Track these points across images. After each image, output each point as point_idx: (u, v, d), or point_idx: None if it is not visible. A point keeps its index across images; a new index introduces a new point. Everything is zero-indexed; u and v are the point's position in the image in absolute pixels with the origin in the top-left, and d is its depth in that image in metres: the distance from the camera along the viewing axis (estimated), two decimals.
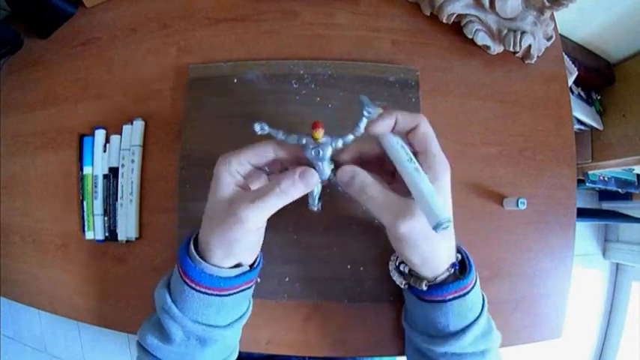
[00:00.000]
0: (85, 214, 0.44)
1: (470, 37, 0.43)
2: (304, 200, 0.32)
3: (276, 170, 0.33)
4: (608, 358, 1.28)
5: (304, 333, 0.40)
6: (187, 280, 0.29)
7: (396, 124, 0.29)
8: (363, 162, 0.31)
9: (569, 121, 0.45)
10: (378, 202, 0.29)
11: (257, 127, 0.29)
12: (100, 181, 0.44)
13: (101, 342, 1.26)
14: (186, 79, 0.43)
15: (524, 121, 0.44)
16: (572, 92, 0.91)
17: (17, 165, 0.48)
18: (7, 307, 1.29)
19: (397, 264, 0.36)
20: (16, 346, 1.30)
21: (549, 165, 0.43)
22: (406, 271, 0.35)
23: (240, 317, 0.33)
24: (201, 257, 0.30)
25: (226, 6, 0.46)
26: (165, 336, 0.31)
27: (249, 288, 0.33)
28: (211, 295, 0.30)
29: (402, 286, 0.36)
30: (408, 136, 0.30)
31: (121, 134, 0.44)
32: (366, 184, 0.29)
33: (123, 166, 0.43)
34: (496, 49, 0.44)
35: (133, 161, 0.43)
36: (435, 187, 0.27)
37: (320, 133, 0.28)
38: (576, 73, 0.78)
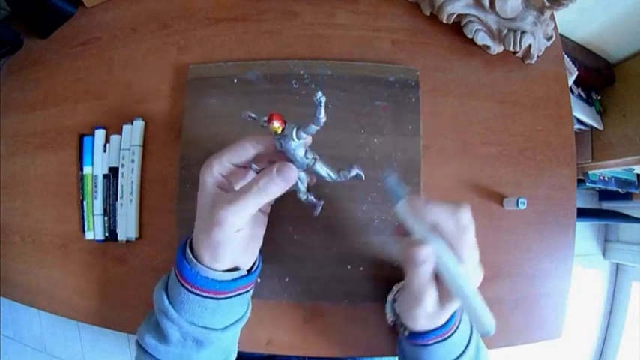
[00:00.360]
0: (85, 214, 0.44)
1: (470, 37, 0.43)
2: (310, 205, 0.32)
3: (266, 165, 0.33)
4: (608, 358, 1.28)
5: (304, 333, 0.40)
6: (183, 282, 0.29)
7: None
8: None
9: (569, 121, 0.45)
10: (428, 296, 0.29)
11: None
12: (100, 181, 0.44)
13: (101, 342, 1.26)
14: (186, 79, 0.43)
15: (524, 121, 0.44)
16: (572, 92, 0.91)
17: (17, 165, 0.48)
18: (7, 307, 1.29)
19: (394, 298, 0.37)
20: (16, 346, 1.30)
21: (549, 165, 0.43)
22: (397, 311, 0.36)
23: (238, 320, 0.33)
24: (197, 260, 0.30)
25: (226, 6, 0.46)
26: (162, 336, 0.31)
27: (246, 292, 0.33)
28: (206, 297, 0.30)
29: (389, 323, 0.37)
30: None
31: (121, 134, 0.44)
32: (427, 276, 0.28)
33: (123, 166, 0.43)
34: (496, 49, 0.44)
35: (133, 161, 0.43)
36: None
37: (276, 127, 0.27)
38: (576, 73, 0.78)
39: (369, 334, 0.40)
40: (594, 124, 0.92)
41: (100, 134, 0.44)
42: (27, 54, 0.51)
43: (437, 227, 0.27)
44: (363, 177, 0.30)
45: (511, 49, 0.43)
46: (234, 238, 0.29)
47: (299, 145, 0.28)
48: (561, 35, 0.48)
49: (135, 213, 0.42)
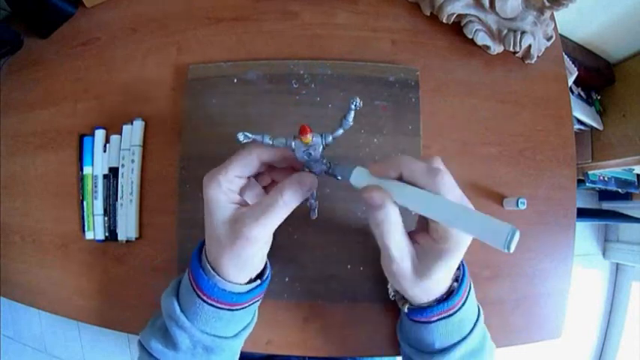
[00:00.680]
0: (85, 214, 0.44)
1: (470, 37, 0.43)
2: (304, 201, 0.32)
3: (264, 171, 0.32)
4: (608, 358, 1.28)
5: (304, 333, 0.40)
6: (199, 292, 0.29)
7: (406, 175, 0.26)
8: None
9: (569, 121, 0.45)
10: (393, 244, 0.27)
11: (241, 137, 0.28)
12: (100, 181, 0.44)
13: (101, 342, 1.26)
14: (186, 79, 0.43)
15: (524, 121, 0.44)
16: (572, 92, 0.91)
17: (17, 165, 0.48)
18: (7, 307, 1.29)
19: None
20: (16, 346, 1.30)
21: (549, 165, 0.43)
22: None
23: (247, 326, 0.34)
24: (217, 273, 0.29)
25: (226, 6, 0.46)
26: (170, 342, 0.31)
27: (258, 301, 0.33)
28: (222, 309, 0.30)
29: (390, 297, 0.36)
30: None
31: (121, 134, 0.44)
32: (391, 222, 0.26)
33: (123, 166, 0.43)
34: (496, 49, 0.44)
35: (133, 161, 0.43)
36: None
37: (309, 138, 0.27)
38: (576, 73, 0.78)
39: (369, 334, 0.40)
40: (594, 124, 0.92)
41: (100, 134, 0.44)
42: (27, 54, 0.51)
43: (403, 178, 0.25)
44: (314, 214, 0.33)
45: (511, 49, 0.43)
46: (261, 252, 0.29)
47: (322, 152, 0.29)
48: (561, 35, 0.48)
49: (135, 213, 0.42)
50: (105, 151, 0.44)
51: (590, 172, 1.00)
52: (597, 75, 0.92)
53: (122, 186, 0.43)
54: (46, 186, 0.46)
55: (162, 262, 0.42)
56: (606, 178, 1.03)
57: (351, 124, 0.28)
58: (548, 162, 0.43)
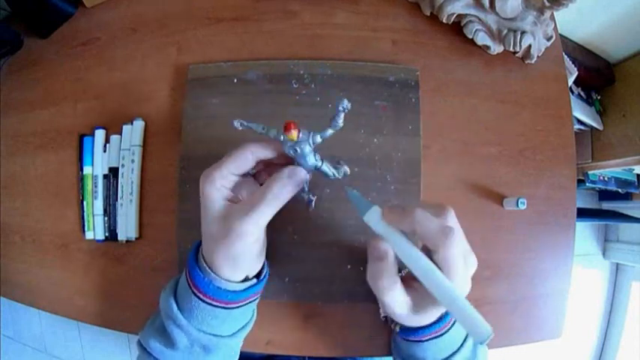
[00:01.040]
0: (85, 214, 0.44)
1: (470, 37, 0.43)
2: (304, 200, 0.32)
3: (262, 168, 0.33)
4: (608, 358, 1.28)
5: (304, 333, 0.40)
6: (195, 290, 0.29)
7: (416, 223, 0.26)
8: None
9: (569, 121, 0.45)
10: (388, 298, 0.27)
11: (236, 124, 0.29)
12: (100, 181, 0.44)
13: (101, 342, 1.26)
14: (186, 79, 0.43)
15: (524, 121, 0.44)
16: (572, 92, 0.91)
17: (17, 165, 0.48)
18: (7, 307, 1.29)
19: None
20: (16, 346, 1.30)
21: (549, 165, 0.43)
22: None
23: (245, 326, 0.34)
24: (212, 271, 0.29)
25: (226, 6, 0.46)
26: (169, 341, 0.31)
27: (255, 300, 0.33)
28: (218, 307, 0.30)
29: (381, 318, 0.37)
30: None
31: (121, 134, 0.44)
32: (388, 274, 0.27)
33: (123, 166, 0.43)
34: (496, 49, 0.44)
35: (133, 161, 0.43)
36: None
37: (294, 134, 0.27)
38: (576, 73, 0.78)
39: (368, 334, 0.40)
40: (594, 124, 0.92)
41: (100, 134, 0.44)
42: (27, 54, 0.51)
43: (416, 233, 0.25)
44: (348, 172, 0.32)
45: (511, 49, 0.43)
46: (253, 248, 0.29)
47: (312, 149, 0.29)
48: (561, 35, 0.48)
49: (135, 213, 0.42)
50: (105, 151, 0.44)
51: (590, 172, 1.00)
52: (597, 75, 0.92)
53: (122, 186, 0.43)
54: (46, 186, 0.46)
55: (162, 262, 0.42)
56: (606, 178, 1.03)
57: (341, 125, 0.28)
58: (548, 162, 0.43)
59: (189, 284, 0.30)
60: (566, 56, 0.64)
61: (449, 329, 0.31)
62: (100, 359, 1.27)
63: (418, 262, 0.26)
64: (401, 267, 0.29)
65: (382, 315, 0.37)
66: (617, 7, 0.76)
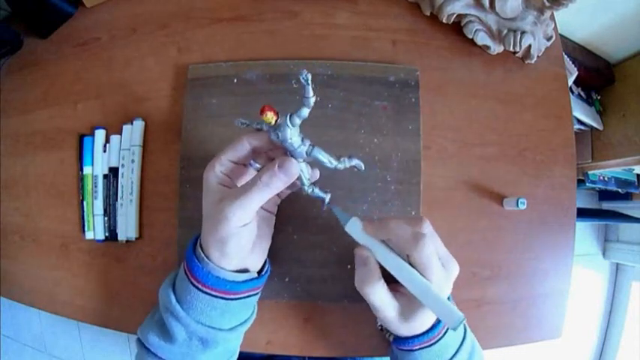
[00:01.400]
0: (85, 214, 0.44)
1: (470, 37, 0.43)
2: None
3: (265, 159, 0.33)
4: (608, 358, 1.28)
5: (304, 333, 0.40)
6: (193, 281, 0.29)
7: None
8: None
9: (569, 121, 0.45)
10: (375, 299, 0.30)
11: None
12: (100, 181, 0.44)
13: (101, 342, 1.26)
14: (186, 79, 0.43)
15: (524, 121, 0.44)
16: (572, 92, 0.91)
17: (17, 165, 0.48)
18: (7, 307, 1.29)
19: None
20: (16, 346, 1.30)
21: (549, 165, 0.43)
22: None
23: (244, 322, 0.33)
24: (208, 259, 0.30)
25: (226, 6, 0.46)
26: (167, 335, 0.31)
27: (255, 294, 0.33)
28: (217, 297, 0.30)
29: (377, 327, 0.38)
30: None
31: (121, 134, 0.44)
32: (371, 277, 0.30)
33: (123, 166, 0.43)
34: (496, 49, 0.44)
35: (133, 161, 0.43)
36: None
37: (269, 117, 0.27)
38: (576, 73, 0.78)
39: (368, 334, 0.40)
40: (594, 124, 0.92)
41: (100, 134, 0.44)
42: (27, 54, 0.50)
43: (391, 241, 0.29)
44: (362, 167, 0.31)
45: (511, 49, 0.43)
46: (241, 234, 0.29)
47: (294, 132, 0.28)
48: (561, 35, 0.48)
49: (135, 213, 0.42)
50: (105, 151, 0.44)
51: (590, 172, 1.00)
52: (597, 75, 0.92)
53: (122, 186, 0.43)
54: (46, 186, 0.46)
55: (162, 262, 0.42)
56: (606, 178, 1.03)
57: (313, 98, 0.26)
58: (548, 162, 0.43)
59: (187, 275, 0.30)
60: (566, 56, 0.64)
61: (439, 339, 0.31)
62: (100, 359, 1.27)
63: (393, 262, 0.29)
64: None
65: (378, 324, 0.38)
66: (618, 7, 0.76)
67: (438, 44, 0.45)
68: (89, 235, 0.43)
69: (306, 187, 0.31)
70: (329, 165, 0.30)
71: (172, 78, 0.45)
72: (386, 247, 0.30)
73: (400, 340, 0.32)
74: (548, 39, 0.44)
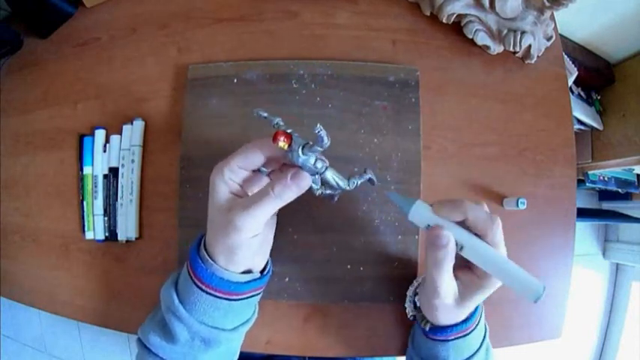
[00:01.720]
0: (85, 214, 0.44)
1: (470, 37, 0.43)
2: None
3: (277, 169, 0.33)
4: (608, 358, 1.28)
5: (304, 333, 0.40)
6: (197, 282, 0.29)
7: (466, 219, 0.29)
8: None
9: (569, 121, 0.45)
10: (445, 283, 0.29)
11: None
12: (100, 181, 0.44)
13: (101, 342, 1.26)
14: (186, 79, 0.43)
15: (524, 121, 0.44)
16: (572, 92, 0.91)
17: (17, 165, 0.48)
18: (7, 307, 1.29)
19: (414, 294, 0.37)
20: (15, 346, 1.30)
21: (549, 165, 0.43)
22: (418, 304, 0.36)
23: (246, 321, 0.33)
24: (213, 261, 0.30)
25: (226, 6, 0.46)
26: (169, 335, 0.31)
27: (258, 294, 0.33)
28: (220, 298, 0.30)
29: (409, 317, 0.37)
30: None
31: (121, 134, 0.44)
32: (448, 263, 0.29)
33: (123, 166, 0.43)
34: (496, 49, 0.44)
35: (133, 161, 0.43)
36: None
37: (281, 144, 0.26)
38: (576, 73, 0.78)
39: (369, 334, 0.40)
40: (594, 124, 0.92)
41: (100, 134, 0.44)
42: (27, 54, 0.50)
43: (467, 220, 0.28)
44: (375, 182, 0.32)
45: (511, 49, 0.43)
46: (251, 243, 0.29)
47: (307, 158, 0.28)
48: (561, 35, 0.48)
49: (135, 213, 0.42)
50: (105, 151, 0.44)
51: (590, 172, 1.00)
52: (597, 75, 0.92)
53: (122, 186, 0.43)
54: (46, 186, 0.46)
55: (162, 262, 0.42)
56: (606, 178, 1.03)
57: (328, 144, 0.26)
58: (548, 162, 0.43)
59: (191, 276, 0.30)
60: (566, 56, 0.64)
61: (472, 330, 0.32)
62: (100, 359, 1.27)
63: (471, 240, 0.29)
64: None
65: (410, 314, 0.37)
66: (618, 7, 0.76)
67: (438, 44, 0.45)
68: (89, 235, 0.43)
69: (316, 192, 0.31)
70: (336, 188, 0.30)
71: (172, 78, 0.45)
72: (460, 227, 0.29)
73: (437, 329, 0.32)
74: (548, 39, 0.44)
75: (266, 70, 0.42)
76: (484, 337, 0.34)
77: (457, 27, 0.44)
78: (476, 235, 0.29)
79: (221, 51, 0.45)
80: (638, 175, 1.07)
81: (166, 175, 0.43)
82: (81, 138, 0.45)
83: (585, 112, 0.91)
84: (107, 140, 0.44)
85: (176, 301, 0.30)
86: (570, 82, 0.78)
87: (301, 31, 0.45)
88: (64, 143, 0.46)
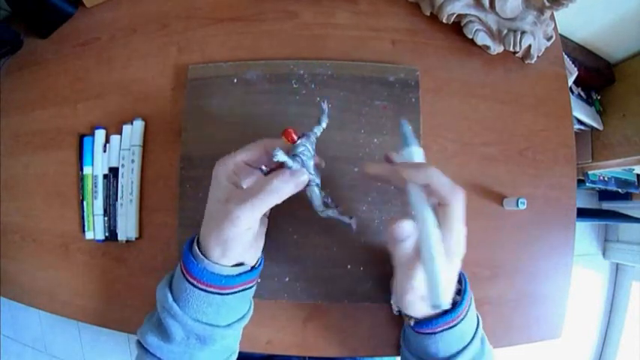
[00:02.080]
0: (85, 214, 0.44)
1: (470, 37, 0.43)
2: (305, 201, 0.32)
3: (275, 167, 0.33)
4: (608, 358, 1.28)
5: (304, 333, 0.40)
6: (189, 278, 0.30)
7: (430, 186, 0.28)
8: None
9: (569, 121, 0.45)
10: (418, 279, 0.29)
11: (323, 105, 0.33)
12: (100, 181, 0.44)
13: (101, 342, 1.26)
14: (186, 79, 0.43)
15: (524, 121, 0.44)
16: (572, 92, 0.91)
17: (17, 165, 0.48)
18: (7, 307, 1.29)
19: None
20: (16, 346, 1.30)
21: (549, 165, 0.43)
22: (394, 300, 0.36)
23: (241, 318, 0.33)
24: (205, 255, 0.30)
25: (226, 6, 0.46)
26: (165, 335, 0.31)
27: (250, 288, 0.33)
28: (212, 293, 0.30)
29: (395, 313, 0.37)
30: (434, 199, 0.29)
31: (121, 134, 0.44)
32: (414, 255, 0.29)
33: (123, 166, 0.43)
34: (496, 49, 0.44)
35: (133, 161, 0.43)
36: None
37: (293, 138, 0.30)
38: (576, 73, 0.78)
39: (369, 334, 0.40)
40: (594, 124, 0.92)
41: (100, 134, 0.44)
42: (27, 54, 0.51)
43: (429, 185, 0.28)
44: (354, 228, 0.32)
45: (511, 49, 0.43)
46: (245, 236, 0.29)
47: (304, 151, 0.30)
48: (561, 35, 0.48)
49: (135, 213, 0.42)
50: (105, 151, 0.44)
51: (590, 172, 1.00)
52: (597, 75, 0.92)
53: (122, 186, 0.43)
54: (46, 186, 0.46)
55: (162, 262, 0.42)
56: (606, 178, 1.03)
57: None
58: (548, 162, 0.43)
59: (183, 273, 0.30)
60: (566, 56, 0.64)
61: (460, 321, 0.31)
62: (100, 359, 1.27)
63: (424, 212, 0.27)
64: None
65: (395, 310, 0.37)
66: (617, 7, 0.76)
67: (438, 44, 0.45)
68: (89, 235, 0.43)
69: (319, 212, 0.32)
70: (313, 205, 0.32)
71: (172, 78, 0.45)
72: (423, 195, 0.28)
73: (422, 323, 0.32)
74: (548, 39, 0.44)
75: (266, 70, 0.42)
76: (476, 329, 0.33)
77: (457, 27, 0.44)
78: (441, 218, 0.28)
79: (221, 51, 0.45)
80: (638, 175, 1.07)
81: (166, 175, 0.43)
82: (81, 138, 0.45)
83: (585, 112, 0.91)
84: (107, 140, 0.44)
85: (170, 299, 0.30)
86: (570, 82, 0.78)
87: (301, 31, 0.45)
88: (64, 143, 0.46)
